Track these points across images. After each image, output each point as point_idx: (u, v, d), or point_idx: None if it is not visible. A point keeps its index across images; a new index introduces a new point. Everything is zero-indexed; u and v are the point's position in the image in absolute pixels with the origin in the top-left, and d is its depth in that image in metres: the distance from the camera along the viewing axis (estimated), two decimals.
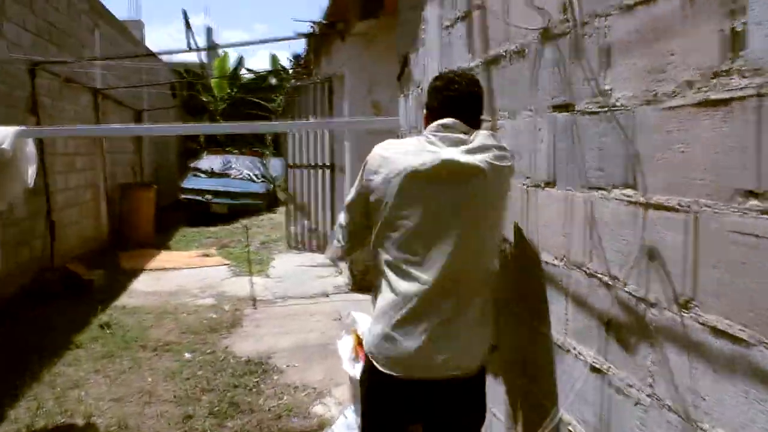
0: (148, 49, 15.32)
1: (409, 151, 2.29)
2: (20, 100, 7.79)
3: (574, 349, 2.13)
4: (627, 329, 1.82)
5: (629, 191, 1.77)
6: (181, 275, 9.76)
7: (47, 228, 8.29)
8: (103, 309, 7.54)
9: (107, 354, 6.09)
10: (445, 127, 2.31)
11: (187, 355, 6.02)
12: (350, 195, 2.46)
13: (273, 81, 22.48)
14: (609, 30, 1.85)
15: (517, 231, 2.58)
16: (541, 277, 2.35)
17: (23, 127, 4.32)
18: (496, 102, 2.74)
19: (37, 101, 8.02)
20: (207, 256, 11.47)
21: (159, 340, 6.48)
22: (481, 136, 2.30)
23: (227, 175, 16.37)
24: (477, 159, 2.22)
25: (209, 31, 30.21)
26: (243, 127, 9.54)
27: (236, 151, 20.12)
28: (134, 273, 9.83)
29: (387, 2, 6.71)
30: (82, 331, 6.69)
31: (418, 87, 3.99)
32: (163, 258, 11.14)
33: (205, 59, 26.03)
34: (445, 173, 2.20)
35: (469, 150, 2.25)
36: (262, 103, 20.29)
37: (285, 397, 5.08)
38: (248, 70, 22.62)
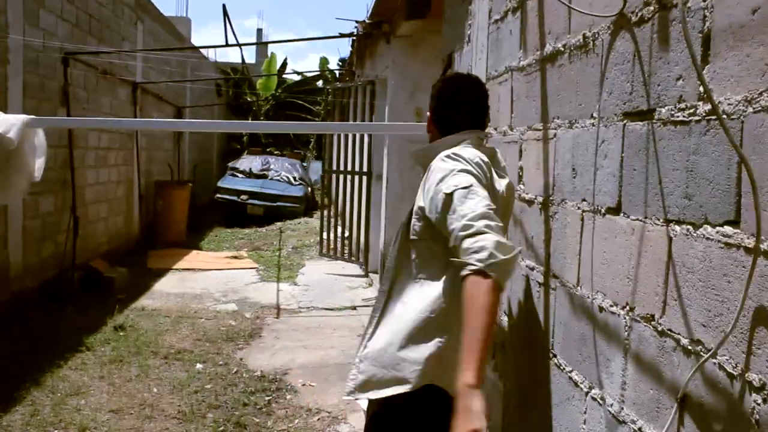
0: (192, 45, 15.14)
1: None
2: (52, 91, 7.55)
3: (634, 423, 1.66)
4: (713, 415, 1.35)
5: (730, 229, 1.31)
6: (207, 277, 9.45)
7: (71, 223, 8.02)
8: (121, 310, 7.24)
9: (116, 359, 5.75)
10: (480, 140, 2.24)
11: (199, 366, 5.64)
12: (476, 187, 1.94)
13: (320, 84, 22.24)
14: (711, 12, 1.38)
15: (569, 263, 2.12)
16: (593, 324, 1.89)
17: (31, 116, 3.98)
18: (550, 107, 2.29)
19: (68, 92, 7.76)
20: (237, 258, 11.16)
21: (172, 347, 6.12)
22: (499, 153, 2.29)
23: (265, 177, 16.06)
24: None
25: (259, 33, 30.14)
26: (268, 126, 9.21)
27: (277, 152, 19.89)
28: (160, 273, 9.54)
29: (434, 3, 6.29)
30: (95, 333, 6.37)
31: None
32: (192, 258, 10.85)
33: (253, 60, 26.02)
34: (508, 198, 2.24)
35: (503, 169, 2.27)
36: (307, 105, 20.03)
37: (296, 421, 4.66)
38: (295, 71, 22.39)
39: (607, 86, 1.84)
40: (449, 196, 1.89)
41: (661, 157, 1.55)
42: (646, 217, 1.63)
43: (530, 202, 2.46)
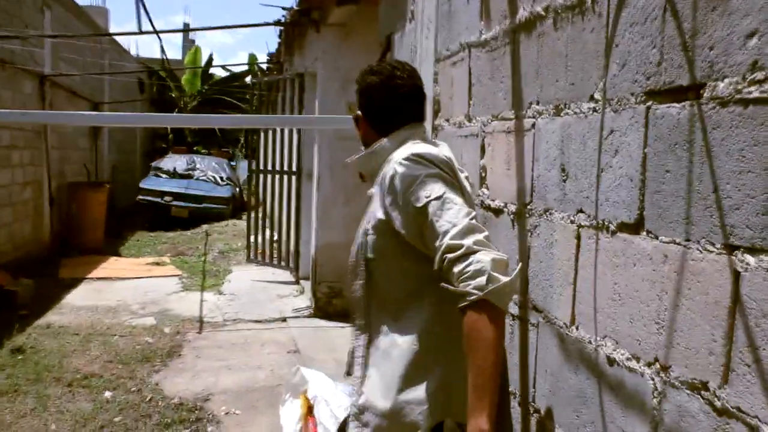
0: (106, 32, 14.18)
1: None
2: None
3: None
4: None
5: None
6: (124, 287, 8.67)
7: None
8: (22, 328, 6.44)
9: (10, 388, 5.00)
10: (425, 135, 1.97)
11: (107, 394, 4.95)
12: (449, 194, 1.69)
13: (249, 80, 21.43)
14: None
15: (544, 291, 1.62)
16: (599, 380, 1.38)
17: None
18: (526, 90, 1.78)
19: None
20: (159, 264, 10.38)
21: (78, 371, 5.40)
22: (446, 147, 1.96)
23: (190, 177, 15.22)
24: None
25: (185, 27, 28.98)
26: (188, 120, 8.53)
27: (204, 151, 19.03)
28: (72, 283, 8.71)
29: None
30: None
31: None
32: (110, 266, 10.02)
33: (179, 55, 24.98)
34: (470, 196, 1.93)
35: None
36: (234, 102, 19.22)
37: None
38: (222, 66, 21.54)
39: (618, 56, 1.34)
40: (422, 210, 1.67)
41: (719, 153, 1.05)
42: (688, 240, 1.13)
43: (497, 212, 1.96)
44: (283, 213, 8.66)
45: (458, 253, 1.56)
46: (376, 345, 1.91)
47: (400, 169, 1.76)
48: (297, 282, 8.40)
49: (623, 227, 1.33)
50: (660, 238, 1.21)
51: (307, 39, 7.85)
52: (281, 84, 8.56)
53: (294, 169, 8.16)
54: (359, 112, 2.04)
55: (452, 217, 1.62)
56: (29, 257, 9.43)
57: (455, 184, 1.74)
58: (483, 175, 2.07)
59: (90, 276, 9.17)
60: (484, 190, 2.05)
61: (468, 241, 1.56)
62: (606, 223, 1.40)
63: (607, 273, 1.39)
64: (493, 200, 1.99)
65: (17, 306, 7.30)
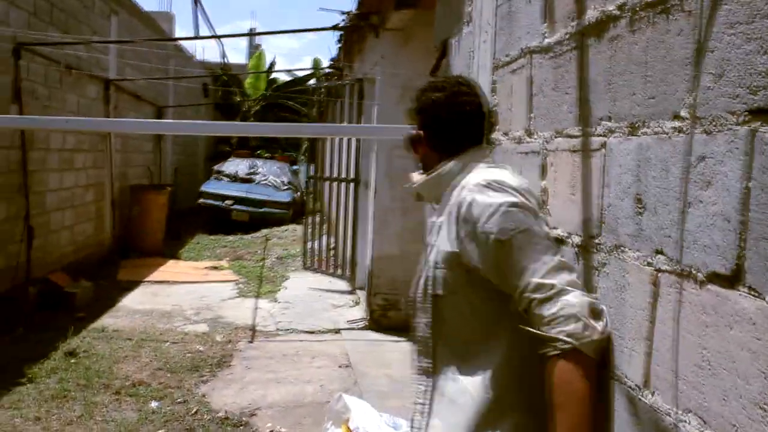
0: (169, 38, 14.33)
1: None
2: (2, 86, 6.75)
3: None
4: None
5: None
6: (180, 291, 8.67)
7: (24, 233, 7.23)
8: (77, 331, 6.46)
9: (60, 393, 4.97)
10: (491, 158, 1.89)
11: (153, 404, 4.86)
12: (536, 227, 1.55)
13: (312, 82, 21.47)
14: None
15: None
16: None
17: None
18: (595, 103, 1.53)
19: (20, 87, 6.97)
20: (216, 269, 10.39)
21: (127, 378, 5.35)
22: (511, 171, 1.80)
23: (251, 181, 15.26)
24: None
25: (251, 31, 29.27)
26: (242, 128, 8.44)
27: (267, 155, 19.11)
28: (129, 286, 8.76)
29: None
30: (42, 360, 5.59)
31: None
32: (168, 269, 10.07)
33: (244, 60, 25.24)
34: None
35: None
36: (296, 106, 19.24)
37: None
38: (284, 70, 21.63)
39: (712, 65, 1.08)
40: (505, 244, 1.53)
41: None
42: None
43: (559, 242, 1.70)
44: (340, 221, 8.51)
45: (548, 293, 1.43)
46: (441, 391, 1.73)
47: (479, 197, 1.60)
48: (353, 292, 8.23)
49: (715, 278, 1.07)
50: (765, 297, 0.95)
51: (367, 44, 7.67)
52: (340, 89, 8.41)
53: (352, 176, 7.99)
54: (420, 132, 1.85)
55: (540, 252, 1.49)
56: (90, 259, 9.54)
57: (539, 215, 1.60)
58: (544, 198, 1.82)
59: (148, 279, 9.23)
60: (546, 217, 1.80)
61: (559, 281, 1.44)
62: (693, 271, 1.13)
63: (693, 332, 1.13)
64: (554, 228, 1.74)
65: (75, 308, 7.35)
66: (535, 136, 1.90)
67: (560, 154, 1.72)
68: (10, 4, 6.88)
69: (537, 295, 1.44)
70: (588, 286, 1.54)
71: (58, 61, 8.04)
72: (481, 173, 1.68)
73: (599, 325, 1.40)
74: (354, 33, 7.62)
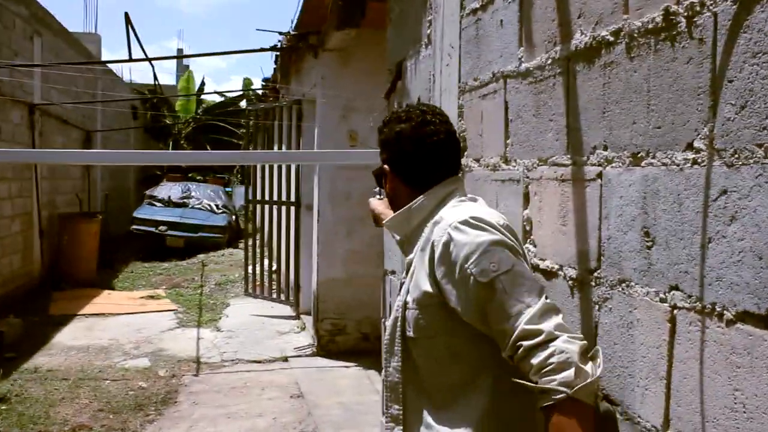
0: (97, 60, 13.90)
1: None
2: None
3: None
4: None
5: None
6: (117, 324, 8.31)
7: None
8: (7, 373, 6.09)
9: None
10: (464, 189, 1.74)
11: None
12: (519, 267, 1.46)
13: (243, 105, 21.19)
14: None
15: None
16: None
17: None
18: (587, 132, 1.48)
19: None
20: (153, 298, 10.02)
21: (66, 422, 5.06)
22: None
23: (185, 205, 14.88)
24: None
25: (179, 52, 28.81)
26: (184, 157, 8.23)
27: (199, 177, 18.73)
28: (63, 320, 8.35)
29: (370, 10, 5.48)
30: None
31: None
32: (102, 300, 9.67)
33: (173, 81, 24.77)
34: None
35: None
36: (229, 127, 18.94)
37: None
38: (217, 92, 21.30)
39: (733, 95, 1.04)
40: (487, 286, 1.43)
41: None
42: None
43: (549, 274, 1.64)
44: (281, 244, 8.33)
45: (537, 340, 1.34)
46: None
47: (457, 236, 1.50)
48: (297, 317, 8.05)
49: (747, 317, 1.02)
50: None
51: (305, 64, 7.58)
52: (278, 111, 8.27)
53: (293, 199, 7.85)
54: (386, 167, 1.74)
55: (525, 295, 1.40)
56: (18, 292, 9.08)
57: (520, 253, 1.51)
58: (527, 228, 1.76)
59: (82, 312, 8.83)
60: (530, 246, 1.74)
61: (547, 326, 1.35)
62: (718, 309, 1.08)
63: (722, 374, 1.07)
64: (542, 260, 1.68)
65: (3, 347, 6.95)
66: (514, 164, 1.85)
67: (546, 182, 1.66)
68: None
69: (524, 343, 1.36)
70: (587, 322, 1.48)
71: None
72: (457, 209, 1.61)
73: (592, 368, 1.31)
74: (292, 53, 7.51)
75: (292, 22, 7.03)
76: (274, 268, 9.15)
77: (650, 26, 1.24)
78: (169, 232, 13.88)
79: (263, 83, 13.67)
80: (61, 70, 10.15)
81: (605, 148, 1.40)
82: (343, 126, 6.44)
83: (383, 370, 1.73)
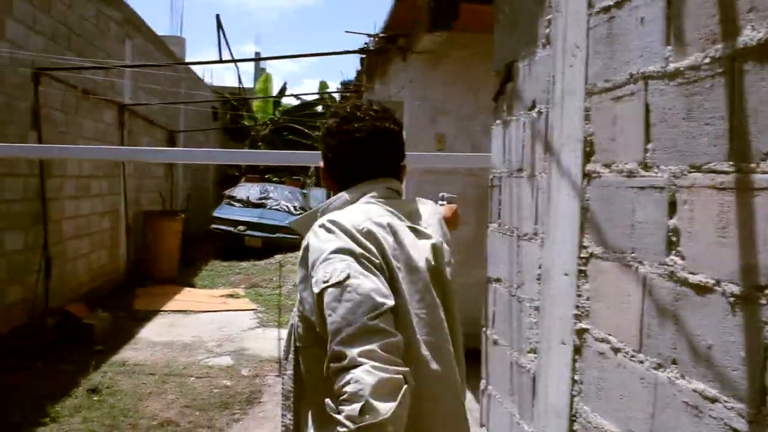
0: (184, 62, 14.24)
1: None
2: (21, 112, 6.61)
3: None
4: None
5: None
6: (199, 321, 8.47)
7: (42, 262, 7.05)
8: (98, 365, 6.26)
9: None
10: (393, 191, 1.69)
11: None
12: (354, 280, 1.36)
13: (320, 108, 21.42)
14: None
15: None
16: None
17: None
18: (756, 136, 1.35)
19: (39, 114, 6.83)
20: (233, 296, 10.19)
21: (154, 417, 5.15)
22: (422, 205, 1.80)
23: (263, 206, 15.11)
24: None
25: (257, 56, 29.36)
26: (264, 157, 8.29)
27: (276, 179, 18.99)
28: (147, 316, 8.57)
29: (463, 12, 5.40)
30: (64, 398, 5.40)
31: (533, 109, 2.62)
32: (184, 297, 9.88)
33: (251, 84, 25.22)
34: (437, 266, 1.60)
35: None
36: (305, 130, 19.14)
37: None
38: (293, 95, 21.58)
39: None
40: (320, 297, 1.37)
41: None
42: None
43: (701, 289, 1.52)
44: None
45: (340, 364, 1.26)
46: None
47: (312, 240, 1.47)
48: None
49: None
50: None
51: (392, 67, 7.54)
52: None
53: None
54: (321, 162, 1.75)
55: (348, 312, 1.30)
56: (106, 287, 9.37)
57: (369, 264, 1.41)
58: (674, 239, 1.63)
59: (164, 308, 9.04)
60: (676, 259, 1.61)
61: (354, 351, 1.25)
62: None
63: None
64: (692, 273, 1.55)
65: (93, 340, 7.15)
66: (656, 170, 1.72)
67: (699, 191, 1.54)
68: (30, 30, 6.76)
69: (332, 365, 1.29)
70: (752, 343, 1.35)
71: (75, 86, 7.91)
72: (344, 210, 1.56)
73: (385, 407, 1.19)
74: (378, 56, 7.48)
75: (374, 27, 6.98)
76: None
77: None
78: (248, 232, 14.11)
79: (342, 86, 13.75)
80: (149, 70, 10.43)
81: None
82: (431, 129, 6.37)
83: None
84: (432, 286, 1.55)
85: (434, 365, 1.49)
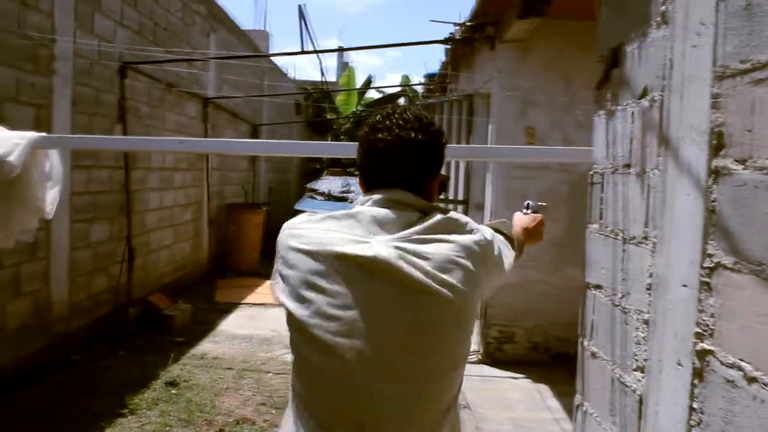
0: (266, 54, 14.28)
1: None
2: (108, 105, 6.67)
3: None
4: None
5: None
6: (279, 315, 8.20)
7: (126, 253, 7.12)
8: (177, 357, 6.26)
9: (161, 429, 4.72)
10: (395, 202, 1.65)
11: None
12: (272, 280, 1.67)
13: (402, 101, 21.23)
14: None
15: None
16: None
17: (40, 134, 2.96)
18: None
19: (125, 107, 6.88)
20: None
21: (231, 414, 5.06)
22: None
23: (345, 199, 15.02)
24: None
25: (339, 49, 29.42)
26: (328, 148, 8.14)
27: (358, 173, 18.93)
28: (227, 308, 8.59)
29: None
30: (143, 389, 5.39)
31: (644, 97, 2.31)
32: (264, 291, 9.86)
33: (334, 77, 25.29)
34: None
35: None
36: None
37: None
38: (375, 88, 21.47)
39: None
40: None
41: None
42: None
43: None
44: None
45: None
46: None
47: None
48: None
49: None
50: None
51: (478, 57, 7.24)
52: (446, 106, 8.00)
53: (461, 198, 7.55)
54: None
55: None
56: (187, 279, 9.45)
57: (276, 274, 1.62)
58: None
59: (245, 301, 9.05)
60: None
61: None
62: None
63: None
64: None
65: (173, 331, 7.19)
66: None
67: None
68: (118, 24, 6.81)
69: None
70: None
71: (160, 80, 7.97)
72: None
73: None
74: (464, 46, 7.20)
75: (459, 15, 6.71)
76: None
77: None
78: None
79: (425, 79, 13.52)
80: (233, 62, 10.47)
81: None
82: (521, 122, 6.05)
83: None
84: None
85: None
